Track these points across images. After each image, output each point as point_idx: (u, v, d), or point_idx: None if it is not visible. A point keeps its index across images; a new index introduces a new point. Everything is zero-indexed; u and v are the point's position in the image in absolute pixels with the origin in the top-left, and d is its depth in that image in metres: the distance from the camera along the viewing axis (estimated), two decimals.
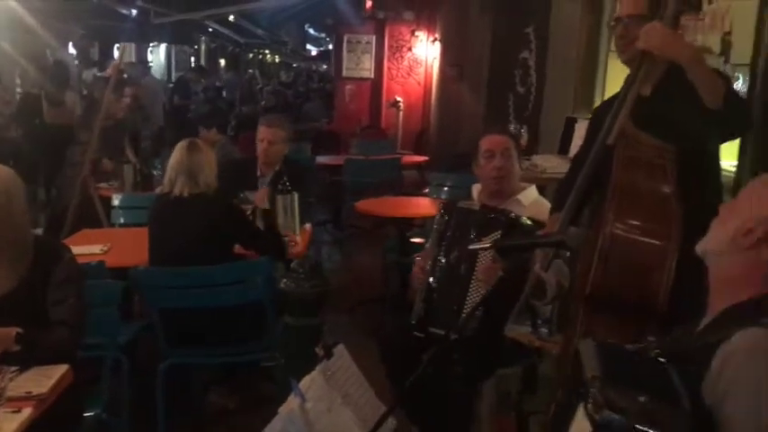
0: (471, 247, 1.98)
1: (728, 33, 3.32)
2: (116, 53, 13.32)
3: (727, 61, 3.32)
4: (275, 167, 4.02)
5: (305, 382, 2.03)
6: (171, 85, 11.70)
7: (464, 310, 2.58)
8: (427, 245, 2.88)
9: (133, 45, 14.90)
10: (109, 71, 4.79)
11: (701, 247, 1.59)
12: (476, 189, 3.04)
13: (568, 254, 2.62)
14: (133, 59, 13.80)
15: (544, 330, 2.50)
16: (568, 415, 1.40)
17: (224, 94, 13.72)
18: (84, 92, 6.88)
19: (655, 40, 2.07)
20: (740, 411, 1.34)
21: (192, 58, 17.95)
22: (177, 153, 3.20)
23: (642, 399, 1.29)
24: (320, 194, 7.08)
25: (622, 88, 2.30)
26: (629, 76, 2.27)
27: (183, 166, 3.14)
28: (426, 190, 5.40)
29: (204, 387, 3.54)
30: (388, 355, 2.79)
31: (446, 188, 4.93)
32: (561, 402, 1.58)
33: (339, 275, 6.04)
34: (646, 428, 1.25)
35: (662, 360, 1.49)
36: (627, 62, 2.33)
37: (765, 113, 2.39)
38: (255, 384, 3.66)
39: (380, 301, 4.88)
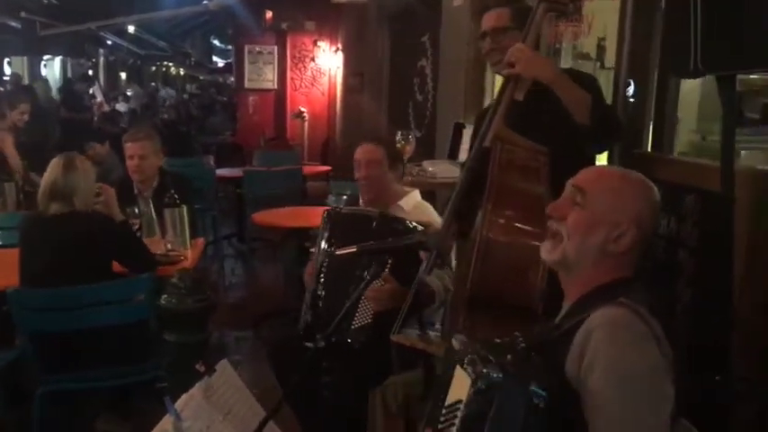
0: (338, 252, 1.97)
1: (603, 39, 3.46)
2: (6, 68, 12.70)
3: (602, 66, 3.45)
4: (153, 183, 3.89)
5: (182, 401, 1.96)
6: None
7: (354, 321, 2.56)
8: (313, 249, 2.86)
9: (25, 59, 14.21)
10: None
11: (555, 257, 1.59)
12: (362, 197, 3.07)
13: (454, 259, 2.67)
14: (25, 74, 13.18)
15: (435, 334, 2.51)
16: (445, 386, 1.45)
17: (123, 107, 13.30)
18: None
19: (519, 63, 2.16)
20: (603, 384, 1.39)
21: (90, 72, 17.28)
22: (52, 170, 3.02)
23: (510, 357, 1.37)
24: (223, 208, 6.97)
25: (498, 92, 2.35)
26: (503, 82, 2.33)
27: (58, 185, 2.97)
28: (328, 199, 5.36)
29: (93, 414, 3.37)
30: (276, 364, 2.75)
31: (345, 197, 4.90)
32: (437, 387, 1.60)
33: (243, 290, 5.94)
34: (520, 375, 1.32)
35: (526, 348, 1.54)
36: (500, 73, 2.39)
37: (630, 114, 2.50)
38: (151, 408, 3.51)
39: (284, 313, 4.81)
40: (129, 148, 3.84)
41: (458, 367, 1.41)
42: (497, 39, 2.38)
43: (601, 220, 1.54)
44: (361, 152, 2.93)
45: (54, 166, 3.03)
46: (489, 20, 2.44)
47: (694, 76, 1.46)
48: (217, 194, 6.69)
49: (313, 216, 4.91)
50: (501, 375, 1.31)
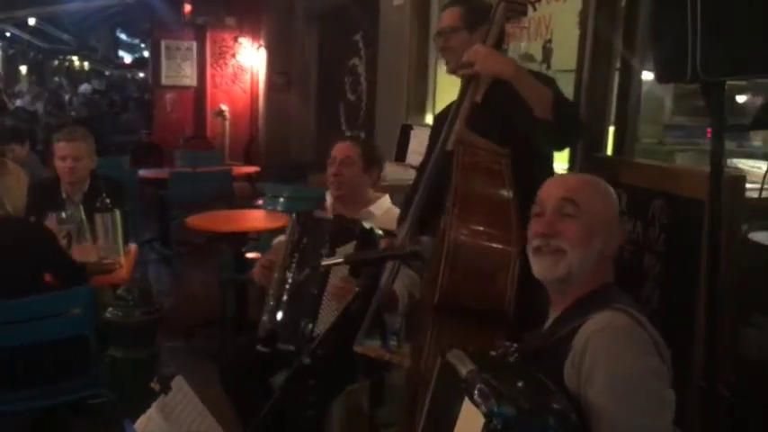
0: (323, 263, 1.87)
1: (549, 41, 3.48)
2: None
3: (549, 68, 3.48)
4: (84, 187, 3.62)
5: (141, 422, 1.83)
6: None
7: (316, 328, 2.47)
8: (268, 254, 2.76)
9: None
10: None
11: (561, 272, 1.55)
12: (329, 198, 2.99)
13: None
14: None
15: (393, 342, 2.44)
16: (448, 414, 1.38)
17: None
18: None
19: (477, 61, 2.16)
20: (604, 389, 1.37)
21: None
22: None
23: (520, 384, 1.33)
24: (145, 211, 6.64)
25: (458, 95, 2.31)
26: (462, 85, 2.30)
27: None
28: (260, 202, 5.19)
29: None
30: (230, 381, 2.63)
31: (282, 199, 4.76)
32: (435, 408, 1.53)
33: (171, 297, 5.66)
34: (534, 409, 1.27)
35: (521, 362, 1.51)
36: (453, 72, 2.40)
37: (590, 117, 2.51)
38: (81, 426, 3.28)
39: (219, 321, 4.61)
40: (63, 148, 3.55)
41: (466, 399, 1.33)
42: (447, 38, 2.39)
43: (598, 226, 1.56)
44: (338, 149, 2.89)
45: None
46: (443, 18, 2.45)
47: (691, 82, 1.45)
48: (138, 196, 6.38)
49: (248, 220, 4.76)
50: (516, 412, 1.25)
